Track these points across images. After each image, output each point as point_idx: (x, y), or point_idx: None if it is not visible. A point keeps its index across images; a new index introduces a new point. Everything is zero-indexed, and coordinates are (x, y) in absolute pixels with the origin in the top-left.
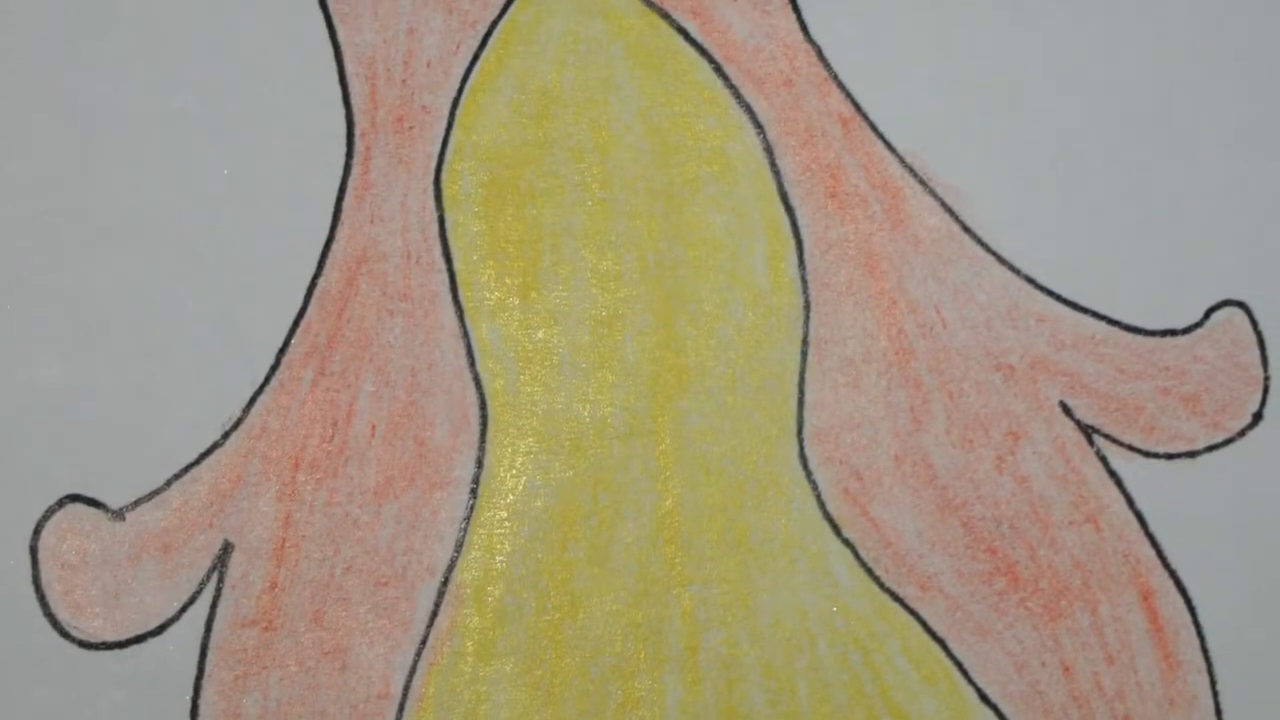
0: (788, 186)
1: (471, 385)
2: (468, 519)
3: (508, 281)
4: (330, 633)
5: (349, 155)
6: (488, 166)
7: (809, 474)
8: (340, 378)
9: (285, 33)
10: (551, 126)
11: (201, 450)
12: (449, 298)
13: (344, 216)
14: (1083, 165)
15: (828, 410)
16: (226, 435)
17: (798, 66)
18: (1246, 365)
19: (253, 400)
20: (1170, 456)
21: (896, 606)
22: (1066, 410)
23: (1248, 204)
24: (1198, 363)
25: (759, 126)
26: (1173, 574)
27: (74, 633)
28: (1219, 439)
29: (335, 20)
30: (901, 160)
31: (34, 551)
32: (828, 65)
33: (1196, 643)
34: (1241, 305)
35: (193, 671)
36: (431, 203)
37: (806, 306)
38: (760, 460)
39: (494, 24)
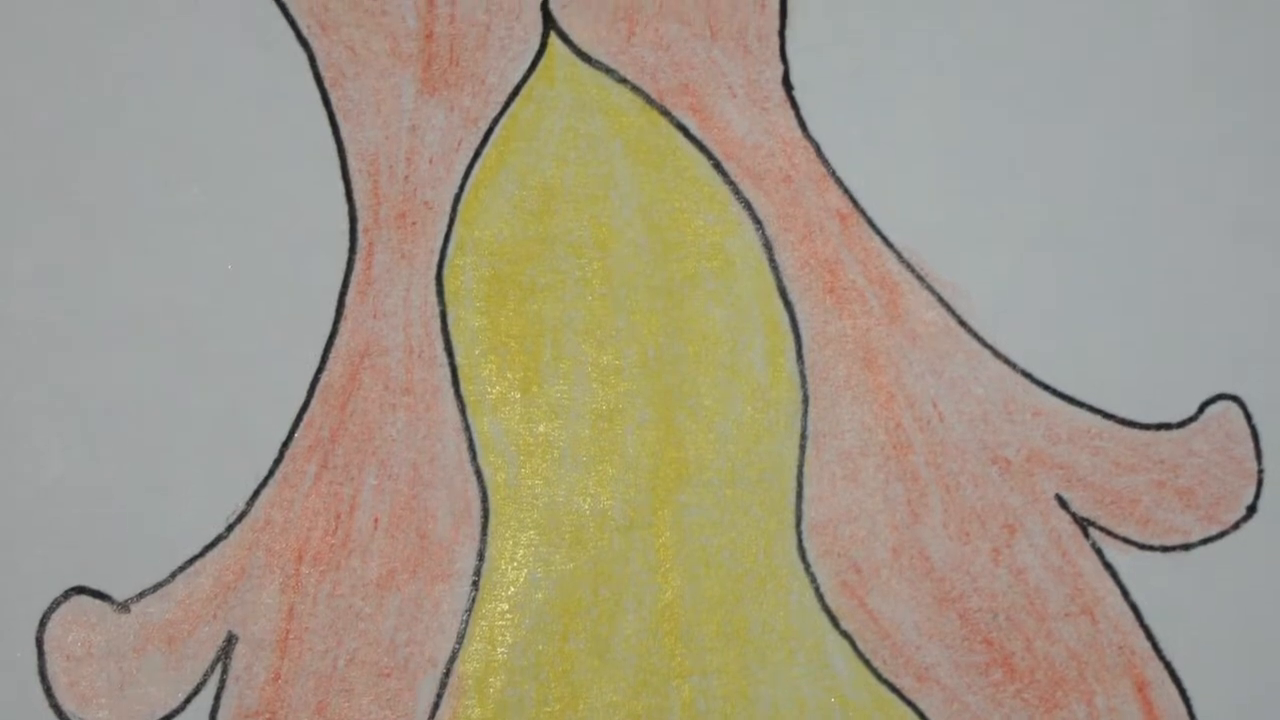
0: (786, 282)
1: (473, 478)
2: (469, 611)
3: (509, 376)
4: None
5: (352, 250)
6: (489, 262)
7: (807, 566)
8: (343, 471)
9: (289, 129)
10: (552, 222)
11: (206, 543)
12: (451, 392)
13: (347, 311)
14: (1078, 261)
15: (826, 503)
16: (230, 528)
17: (796, 163)
18: (1241, 459)
19: (256, 493)
20: (1165, 549)
21: (894, 697)
22: (1062, 503)
23: (1242, 299)
24: (1192, 456)
25: (758, 222)
26: (1168, 666)
27: None
28: (1214, 532)
29: (338, 117)
30: (899, 256)
31: (40, 643)
32: (826, 162)
33: None
34: (1236, 399)
35: None
36: (433, 298)
37: (805, 401)
38: (759, 553)
39: (495, 121)
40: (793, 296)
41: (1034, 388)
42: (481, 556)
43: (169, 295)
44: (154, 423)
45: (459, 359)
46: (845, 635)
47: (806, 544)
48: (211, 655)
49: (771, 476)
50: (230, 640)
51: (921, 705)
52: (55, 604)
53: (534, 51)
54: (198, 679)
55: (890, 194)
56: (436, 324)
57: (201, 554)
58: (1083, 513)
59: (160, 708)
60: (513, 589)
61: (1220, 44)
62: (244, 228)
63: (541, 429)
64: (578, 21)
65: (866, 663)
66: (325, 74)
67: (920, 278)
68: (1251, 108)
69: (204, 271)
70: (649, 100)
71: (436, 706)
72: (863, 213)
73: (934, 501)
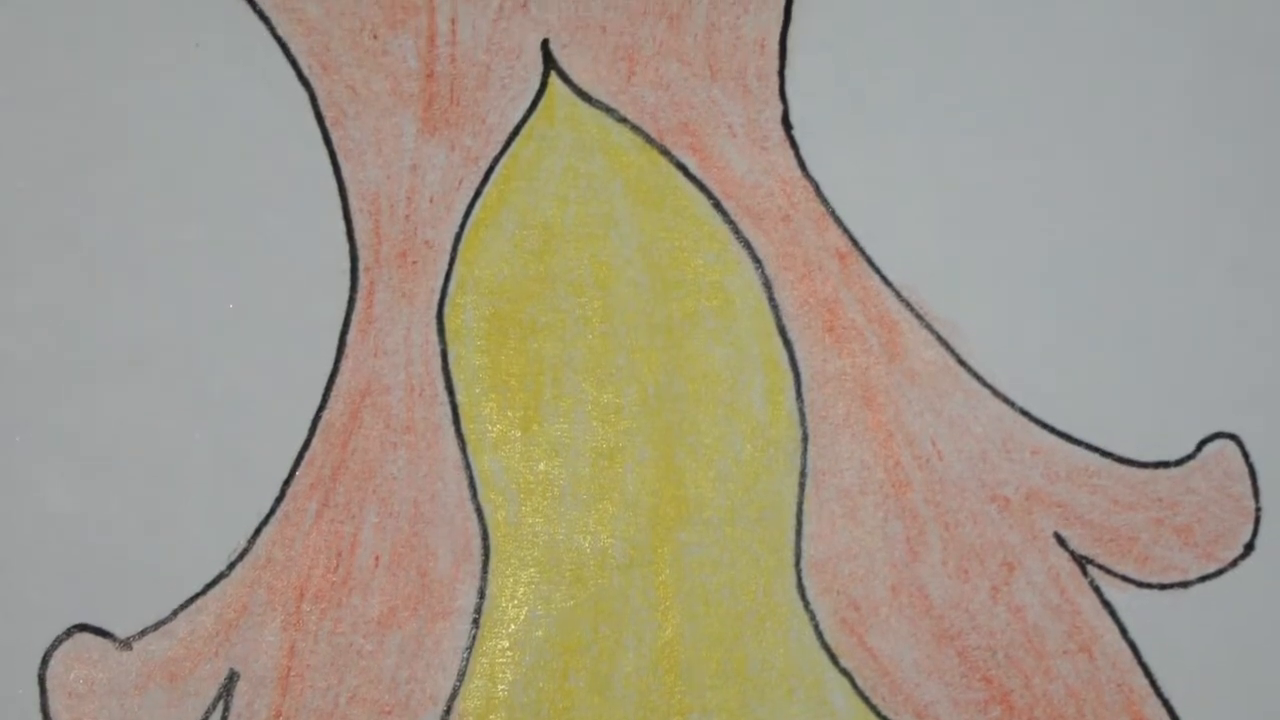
0: (786, 320)
1: (474, 516)
2: (470, 648)
3: (509, 414)
4: None
5: (353, 289)
6: (490, 300)
7: (807, 604)
8: (344, 509)
9: (290, 168)
10: (553, 261)
11: (208, 580)
12: (451, 430)
13: (348, 350)
14: (1076, 300)
15: (825, 541)
16: (232, 565)
17: (795, 202)
18: (1238, 496)
19: (258, 531)
20: (1163, 587)
21: None
22: (1061, 541)
23: (1239, 338)
24: (1190, 494)
25: (757, 261)
26: (1166, 704)
27: None
28: (1211, 569)
29: (340, 157)
30: (898, 294)
31: (42, 680)
32: (825, 201)
33: None
34: (1233, 437)
35: None
36: (434, 336)
37: (804, 439)
38: (759, 590)
39: (496, 160)
40: (792, 335)
41: (1032, 426)
42: (482, 594)
43: (171, 333)
44: (156, 460)
45: (460, 397)
46: (844, 673)
47: (806, 582)
48: (213, 692)
49: (771, 514)
50: (232, 677)
51: None
52: (57, 641)
53: (534, 91)
54: (199, 716)
55: (889, 233)
56: (437, 362)
57: (203, 591)
58: (1081, 550)
59: None
60: (513, 626)
61: (1219, 86)
62: (246, 267)
63: (542, 467)
64: (578, 61)
65: (865, 700)
66: (326, 113)
67: (919, 316)
68: (1249, 147)
69: (206, 310)
70: (649, 139)
71: None
72: (861, 251)
73: (933, 539)
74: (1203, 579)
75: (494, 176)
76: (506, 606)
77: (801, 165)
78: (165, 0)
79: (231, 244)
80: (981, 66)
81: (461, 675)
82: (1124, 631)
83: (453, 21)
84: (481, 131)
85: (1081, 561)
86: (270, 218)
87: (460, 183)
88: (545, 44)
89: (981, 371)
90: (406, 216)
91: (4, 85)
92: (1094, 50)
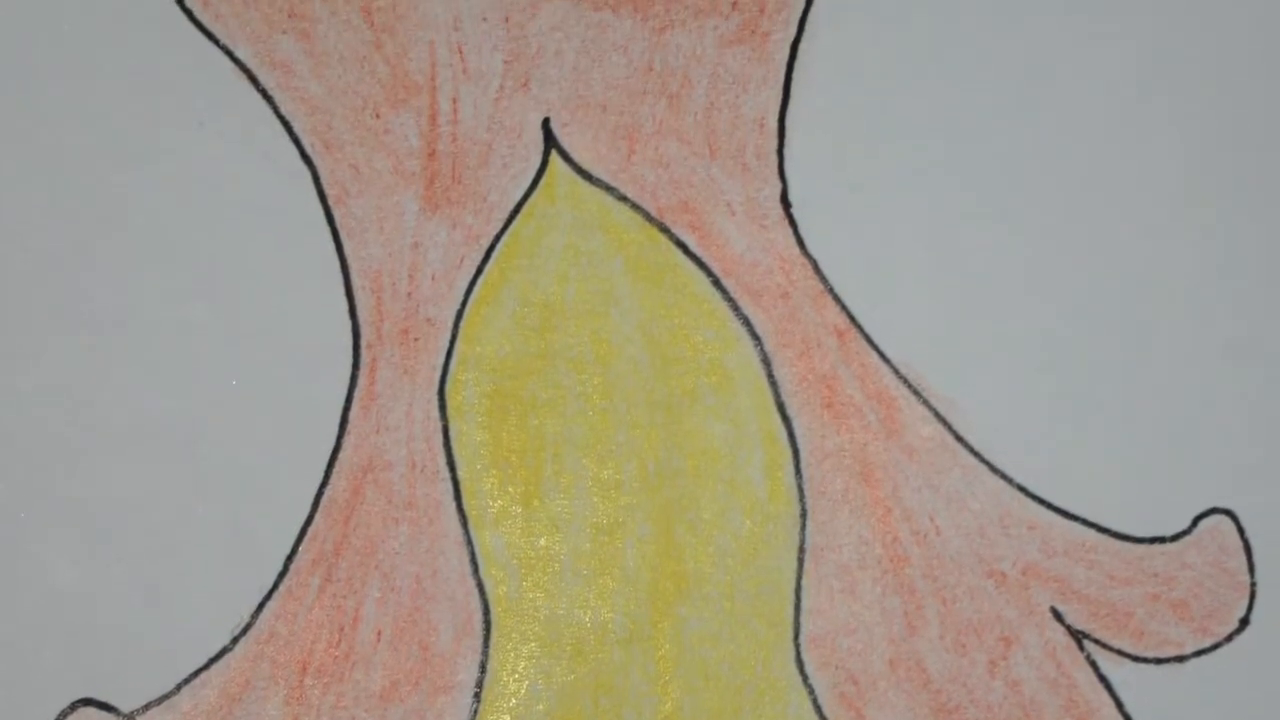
0: (785, 397)
1: (475, 591)
2: None
3: (510, 490)
4: None
5: (355, 366)
6: (491, 377)
7: (806, 678)
8: (346, 584)
9: (292, 246)
10: (553, 338)
11: (211, 655)
12: (453, 506)
13: (350, 426)
14: (1073, 377)
15: (824, 616)
16: (235, 640)
17: (794, 280)
18: (1234, 572)
19: (261, 606)
20: (1160, 661)
21: None
22: (1057, 616)
23: (1234, 414)
24: (1186, 569)
25: (756, 338)
26: None
27: None
28: (1207, 644)
29: (342, 235)
30: (896, 371)
31: None
32: (823, 278)
33: None
34: (1229, 513)
35: None
36: (436, 413)
37: (803, 515)
38: (758, 665)
39: (497, 238)
40: (791, 411)
41: (1029, 502)
42: (483, 669)
43: (174, 410)
44: (159, 536)
45: (461, 474)
46: None
47: (805, 656)
48: None
49: (770, 589)
50: None
51: None
52: (61, 715)
53: (535, 169)
54: None
55: (887, 310)
56: (439, 439)
57: (206, 666)
58: (1078, 625)
59: None
60: (514, 701)
61: (1215, 169)
62: (248, 344)
63: (543, 542)
64: (578, 140)
65: None
66: (329, 192)
67: (917, 393)
68: (1244, 228)
69: (208, 387)
70: (649, 218)
71: None
72: (860, 329)
73: (930, 614)
74: (1199, 653)
75: (495, 254)
76: (507, 681)
77: (800, 243)
78: (168, 78)
79: (234, 321)
80: (980, 146)
81: None
82: (1120, 706)
83: (454, 101)
84: (483, 209)
85: (1078, 636)
86: (273, 295)
87: (462, 260)
88: (546, 123)
89: (979, 448)
90: (408, 294)
91: (6, 164)
92: (1091, 130)
